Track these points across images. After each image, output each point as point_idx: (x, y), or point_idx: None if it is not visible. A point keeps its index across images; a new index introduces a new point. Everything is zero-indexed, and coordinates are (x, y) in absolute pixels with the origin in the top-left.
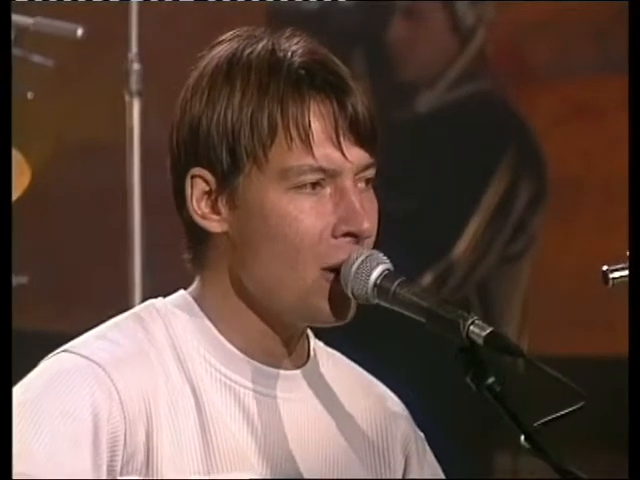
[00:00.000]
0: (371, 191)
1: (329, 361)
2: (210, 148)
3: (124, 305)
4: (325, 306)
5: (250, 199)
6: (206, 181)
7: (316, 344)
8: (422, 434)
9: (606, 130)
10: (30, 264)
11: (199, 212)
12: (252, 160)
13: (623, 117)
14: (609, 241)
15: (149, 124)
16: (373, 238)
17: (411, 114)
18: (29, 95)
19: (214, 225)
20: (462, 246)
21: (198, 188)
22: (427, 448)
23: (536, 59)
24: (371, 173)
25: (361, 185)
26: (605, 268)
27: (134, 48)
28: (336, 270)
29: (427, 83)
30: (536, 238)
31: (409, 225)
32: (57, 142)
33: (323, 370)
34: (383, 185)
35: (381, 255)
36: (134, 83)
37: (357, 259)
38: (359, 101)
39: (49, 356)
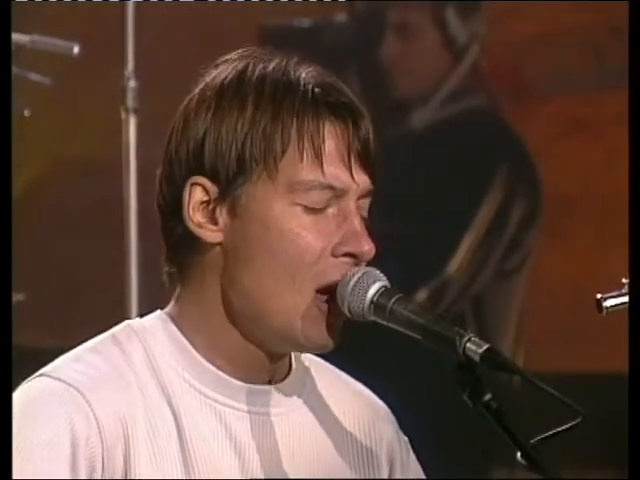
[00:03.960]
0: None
1: (311, 370)
2: (217, 155)
3: (120, 322)
4: (312, 334)
5: (253, 209)
6: (205, 190)
7: (297, 354)
8: (406, 438)
9: (604, 146)
10: (26, 281)
11: (195, 221)
12: (261, 168)
13: (621, 133)
14: (606, 257)
15: (145, 141)
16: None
17: (405, 131)
18: (26, 112)
19: (210, 235)
20: (457, 262)
21: (196, 197)
22: (411, 453)
23: (532, 75)
24: (367, 203)
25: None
26: (599, 296)
27: (130, 65)
28: (329, 292)
29: (420, 100)
30: (531, 254)
31: (403, 242)
32: (54, 159)
33: (306, 380)
34: (377, 202)
35: (378, 272)
36: (130, 100)
37: (354, 276)
38: (370, 126)
39: (27, 380)
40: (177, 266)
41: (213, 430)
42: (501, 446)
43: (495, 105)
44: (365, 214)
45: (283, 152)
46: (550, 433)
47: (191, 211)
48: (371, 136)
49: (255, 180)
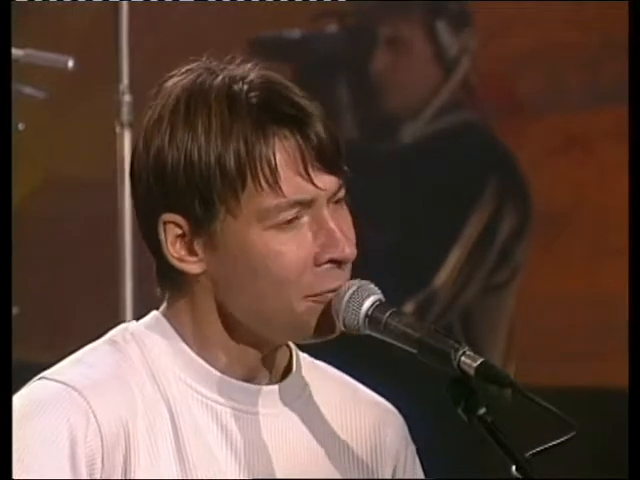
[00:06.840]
0: (344, 207)
1: (313, 372)
2: (180, 195)
3: None
4: (314, 323)
5: (229, 241)
6: (179, 225)
7: (298, 355)
8: (414, 447)
9: (595, 161)
10: (21, 296)
11: (176, 255)
12: (225, 208)
13: (613, 148)
14: (596, 272)
15: None
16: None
17: (394, 144)
18: (20, 126)
19: (193, 267)
20: (444, 275)
21: (171, 233)
22: (417, 463)
23: (524, 90)
24: (342, 193)
25: (332, 206)
26: None
27: (125, 80)
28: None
29: (410, 113)
30: (521, 268)
31: (391, 254)
32: (48, 172)
33: (307, 382)
34: (366, 215)
35: (372, 286)
36: (125, 114)
37: (348, 290)
38: (322, 129)
39: (27, 384)
40: (168, 284)
41: (209, 428)
42: (496, 457)
43: (486, 119)
44: (343, 208)
45: (243, 186)
46: (544, 447)
47: (170, 247)
48: (324, 137)
49: (222, 218)
